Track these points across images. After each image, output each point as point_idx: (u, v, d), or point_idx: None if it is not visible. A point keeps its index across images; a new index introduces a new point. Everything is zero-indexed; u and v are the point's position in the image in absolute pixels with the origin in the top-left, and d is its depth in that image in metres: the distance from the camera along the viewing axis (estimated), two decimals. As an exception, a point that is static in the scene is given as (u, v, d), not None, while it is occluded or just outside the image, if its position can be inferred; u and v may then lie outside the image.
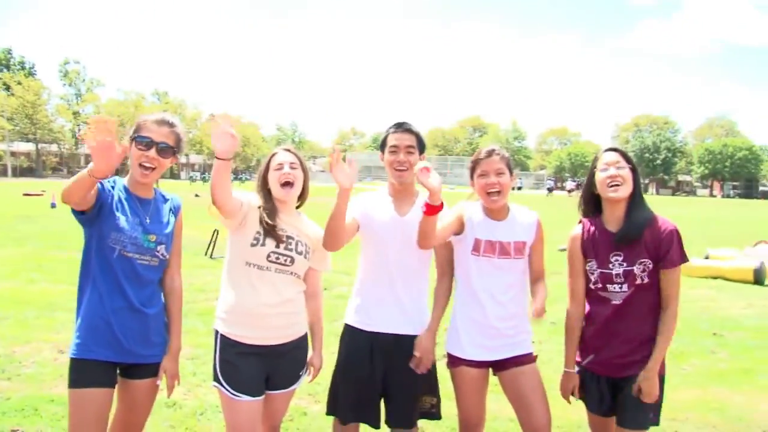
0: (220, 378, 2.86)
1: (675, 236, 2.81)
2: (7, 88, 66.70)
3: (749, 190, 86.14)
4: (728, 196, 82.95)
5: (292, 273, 2.94)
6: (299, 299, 3.02)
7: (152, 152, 2.71)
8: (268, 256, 2.86)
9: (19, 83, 66.85)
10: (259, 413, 2.87)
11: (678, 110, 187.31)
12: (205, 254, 11.14)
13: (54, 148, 77.44)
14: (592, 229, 2.96)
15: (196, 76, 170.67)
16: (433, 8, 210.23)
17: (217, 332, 2.93)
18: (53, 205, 21.76)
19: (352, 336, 3.15)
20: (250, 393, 2.81)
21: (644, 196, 2.98)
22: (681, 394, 4.95)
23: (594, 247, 2.93)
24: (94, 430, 2.62)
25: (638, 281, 2.81)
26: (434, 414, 3.20)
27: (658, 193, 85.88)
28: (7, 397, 4.47)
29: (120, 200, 2.71)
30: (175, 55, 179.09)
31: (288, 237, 2.92)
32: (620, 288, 2.84)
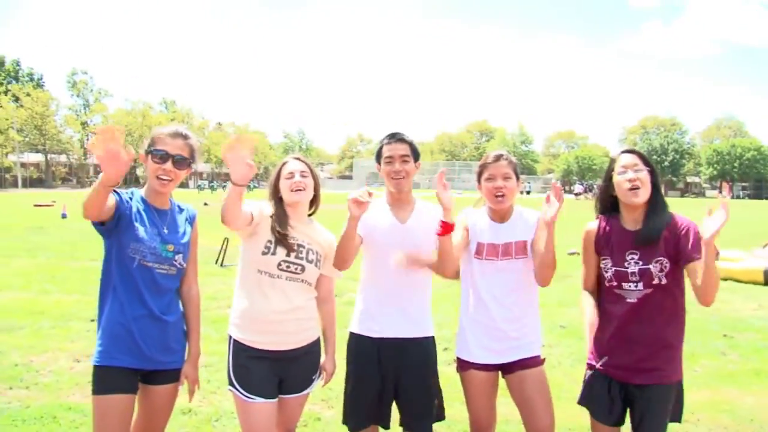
0: (234, 381, 2.92)
1: (693, 231, 2.76)
2: (16, 99, 67.16)
3: (759, 190, 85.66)
4: (738, 197, 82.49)
5: (302, 281, 3.00)
6: (310, 306, 3.07)
7: (168, 165, 2.80)
8: (279, 264, 2.92)
9: (28, 95, 67.36)
10: (273, 416, 2.92)
11: (685, 112, 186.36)
12: (216, 262, 11.21)
13: (63, 158, 77.90)
14: (608, 227, 2.95)
15: (204, 85, 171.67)
16: (439, 13, 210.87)
17: (230, 337, 3.00)
18: (64, 216, 21.97)
19: (358, 344, 3.19)
20: (264, 395, 2.87)
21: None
22: (692, 395, 4.97)
23: (609, 244, 2.92)
24: None
25: (656, 281, 2.77)
26: (440, 416, 3.24)
27: (666, 195, 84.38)
28: (27, 405, 4.54)
29: (138, 211, 2.79)
30: (183, 65, 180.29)
31: (299, 245, 2.98)
32: (635, 287, 2.81)
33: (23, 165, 71.57)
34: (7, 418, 4.30)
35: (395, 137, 3.20)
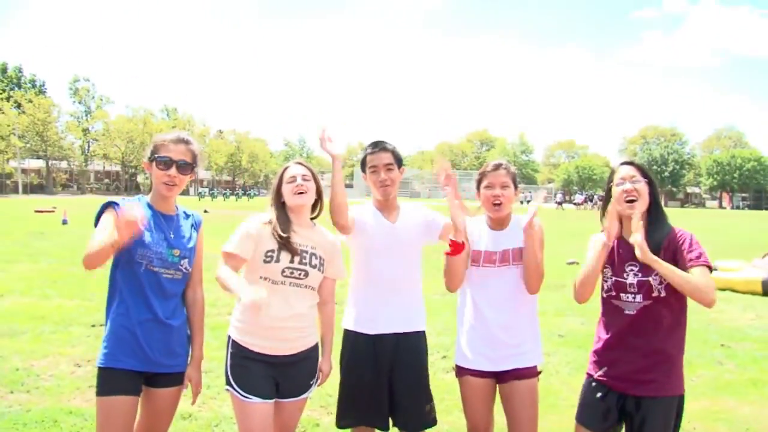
0: (231, 380, 2.95)
1: (689, 240, 2.79)
2: (18, 106, 67.36)
3: (759, 201, 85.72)
4: (738, 208, 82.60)
5: (306, 286, 3.00)
6: (311, 314, 3.07)
7: (173, 170, 2.86)
8: (283, 271, 2.94)
9: (30, 101, 67.58)
10: (270, 417, 2.93)
11: (685, 122, 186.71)
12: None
13: (64, 164, 78.02)
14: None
15: (205, 93, 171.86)
16: (439, 23, 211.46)
17: (229, 338, 3.03)
18: (65, 222, 22.01)
19: (353, 341, 3.26)
20: (260, 395, 2.89)
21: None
22: (689, 405, 4.93)
23: (610, 255, 2.91)
24: None
25: (655, 293, 2.77)
26: (433, 420, 3.29)
27: (666, 205, 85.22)
28: (27, 409, 4.57)
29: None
30: (184, 72, 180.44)
31: (302, 251, 2.99)
32: (634, 298, 2.81)
33: (24, 171, 71.64)
34: (8, 422, 4.32)
35: (378, 146, 3.29)
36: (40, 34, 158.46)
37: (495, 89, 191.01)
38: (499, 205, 3.11)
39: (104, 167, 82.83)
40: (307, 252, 3.01)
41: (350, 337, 3.29)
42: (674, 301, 2.80)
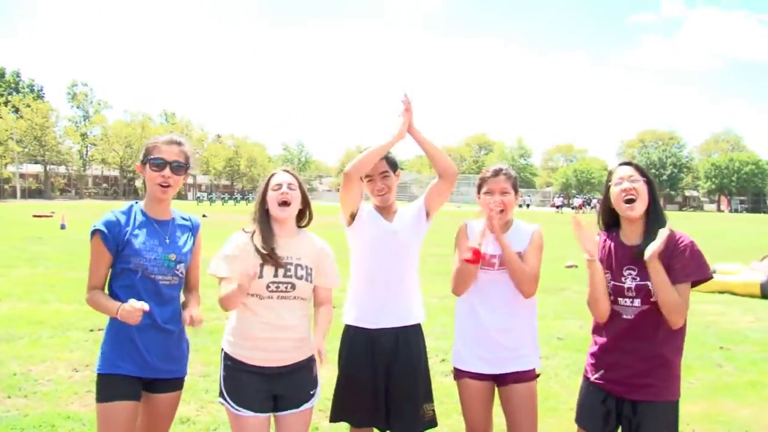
0: (224, 393, 2.90)
1: (689, 250, 2.73)
2: (16, 110, 67.29)
3: (757, 204, 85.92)
4: (736, 211, 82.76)
5: (295, 297, 2.92)
6: (303, 324, 2.97)
7: (167, 171, 2.87)
8: (268, 286, 2.86)
9: (28, 106, 67.47)
10: (264, 430, 2.89)
11: (683, 126, 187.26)
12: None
13: (62, 169, 77.90)
14: (608, 242, 2.93)
15: (203, 97, 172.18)
16: (438, 26, 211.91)
17: (222, 350, 2.99)
18: (63, 227, 21.99)
19: (353, 336, 3.28)
20: (253, 408, 2.83)
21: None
22: (688, 407, 4.98)
23: (608, 259, 2.88)
24: None
25: (654, 298, 2.72)
26: (432, 421, 3.28)
27: (665, 208, 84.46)
28: (25, 414, 4.55)
29: (135, 226, 2.85)
30: (182, 77, 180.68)
31: (287, 263, 2.92)
32: (631, 302, 2.77)
33: (22, 176, 71.53)
34: (5, 427, 4.30)
35: None
36: (38, 39, 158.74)
37: (494, 93, 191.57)
38: (500, 211, 3.09)
39: (102, 172, 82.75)
40: (292, 264, 2.92)
41: (350, 331, 3.30)
42: None
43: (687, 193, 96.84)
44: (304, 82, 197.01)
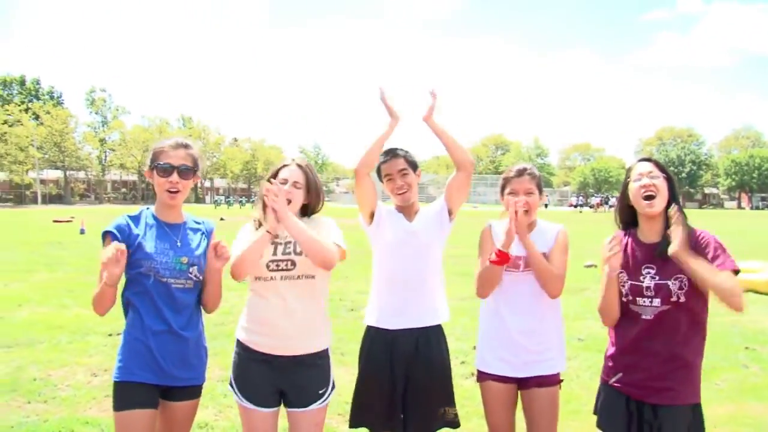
0: (233, 382, 2.96)
1: (713, 243, 2.65)
2: (37, 117, 68.07)
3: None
4: (757, 208, 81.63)
5: (299, 276, 2.88)
6: (311, 311, 2.93)
7: (174, 176, 2.83)
8: (268, 265, 2.88)
9: (48, 113, 68.17)
10: (269, 424, 2.90)
11: (702, 122, 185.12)
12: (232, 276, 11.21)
13: (81, 175, 78.68)
14: (626, 240, 2.85)
15: (220, 101, 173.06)
16: (454, 27, 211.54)
17: (237, 338, 3.02)
18: (82, 231, 22.22)
19: (374, 336, 3.25)
20: (256, 402, 2.87)
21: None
22: (714, 409, 4.89)
23: (625, 258, 2.79)
24: None
25: (674, 298, 2.64)
26: (455, 423, 3.24)
27: (684, 206, 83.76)
28: (45, 419, 4.56)
29: (146, 230, 2.83)
30: (199, 81, 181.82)
31: (286, 242, 2.90)
32: (650, 302, 2.68)
33: (43, 182, 72.28)
34: (25, 432, 4.32)
35: (390, 154, 3.30)
36: (57, 47, 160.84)
37: (510, 93, 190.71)
38: (525, 212, 3.02)
39: (121, 177, 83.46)
40: (291, 241, 2.89)
41: (370, 332, 3.28)
42: (695, 306, 2.66)
43: (707, 190, 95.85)
44: (320, 84, 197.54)
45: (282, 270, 2.88)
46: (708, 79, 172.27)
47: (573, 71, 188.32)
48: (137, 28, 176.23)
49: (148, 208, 2.95)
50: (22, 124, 64.79)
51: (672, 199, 2.75)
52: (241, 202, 68.97)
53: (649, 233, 2.79)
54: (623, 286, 2.78)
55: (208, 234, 3.01)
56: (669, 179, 2.76)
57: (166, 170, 2.82)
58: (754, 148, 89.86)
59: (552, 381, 3.09)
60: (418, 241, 3.24)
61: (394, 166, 3.25)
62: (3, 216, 36.89)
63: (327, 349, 3.05)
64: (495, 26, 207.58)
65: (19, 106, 67.64)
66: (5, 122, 63.04)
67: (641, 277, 2.72)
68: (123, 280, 2.80)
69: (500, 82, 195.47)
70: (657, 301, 2.67)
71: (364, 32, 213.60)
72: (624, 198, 2.87)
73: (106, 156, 78.29)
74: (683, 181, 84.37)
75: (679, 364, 2.67)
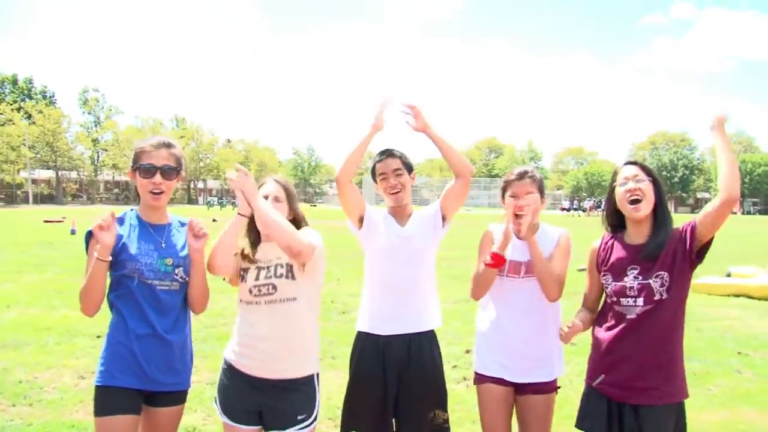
0: (216, 396, 2.93)
1: (688, 228, 2.68)
2: (29, 116, 67.71)
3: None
4: (749, 213, 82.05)
5: (281, 300, 2.82)
6: (294, 335, 2.84)
7: (157, 177, 2.76)
8: (251, 290, 2.85)
9: (40, 112, 67.79)
10: None
11: (695, 127, 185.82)
12: (224, 279, 11.15)
13: (74, 175, 78.28)
14: (611, 242, 2.86)
15: (213, 102, 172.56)
16: (449, 29, 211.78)
17: (224, 357, 2.98)
18: (73, 232, 22.08)
19: (364, 341, 3.22)
20: (235, 419, 2.83)
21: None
22: (707, 416, 4.86)
23: (609, 260, 2.81)
24: None
25: (657, 296, 2.65)
26: (446, 429, 3.20)
27: (676, 211, 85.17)
28: (29, 423, 4.49)
29: (130, 232, 2.77)
30: (193, 82, 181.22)
31: (267, 266, 2.86)
32: (634, 302, 2.69)
33: (34, 181, 71.89)
34: (8, 437, 4.24)
35: (385, 154, 3.29)
36: (50, 46, 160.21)
37: (503, 96, 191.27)
38: (517, 216, 3.00)
39: (114, 177, 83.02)
40: (272, 265, 2.86)
41: (361, 338, 3.25)
42: (676, 302, 2.69)
43: (699, 195, 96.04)
44: (314, 86, 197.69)
45: (264, 294, 2.84)
46: (701, 84, 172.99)
47: (569, 74, 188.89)
48: (131, 28, 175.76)
49: (132, 210, 2.88)
50: (13, 124, 64.34)
51: (658, 203, 2.75)
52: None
53: (635, 236, 2.80)
54: (608, 287, 2.80)
55: None
56: (655, 182, 2.77)
57: (149, 171, 2.75)
58: (746, 153, 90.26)
59: (549, 388, 3.07)
60: (411, 246, 3.21)
61: (389, 165, 3.24)
62: (-6, 216, 36.63)
63: (313, 376, 2.91)
64: (494, 29, 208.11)
65: (11, 105, 67.21)
66: (-3, 121, 62.61)
67: (625, 278, 2.73)
68: (108, 282, 2.74)
69: (497, 84, 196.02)
70: (640, 301, 2.69)
71: (363, 33, 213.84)
72: (611, 201, 2.87)
73: (98, 156, 77.94)
74: (676, 185, 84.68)
75: (661, 363, 2.67)
